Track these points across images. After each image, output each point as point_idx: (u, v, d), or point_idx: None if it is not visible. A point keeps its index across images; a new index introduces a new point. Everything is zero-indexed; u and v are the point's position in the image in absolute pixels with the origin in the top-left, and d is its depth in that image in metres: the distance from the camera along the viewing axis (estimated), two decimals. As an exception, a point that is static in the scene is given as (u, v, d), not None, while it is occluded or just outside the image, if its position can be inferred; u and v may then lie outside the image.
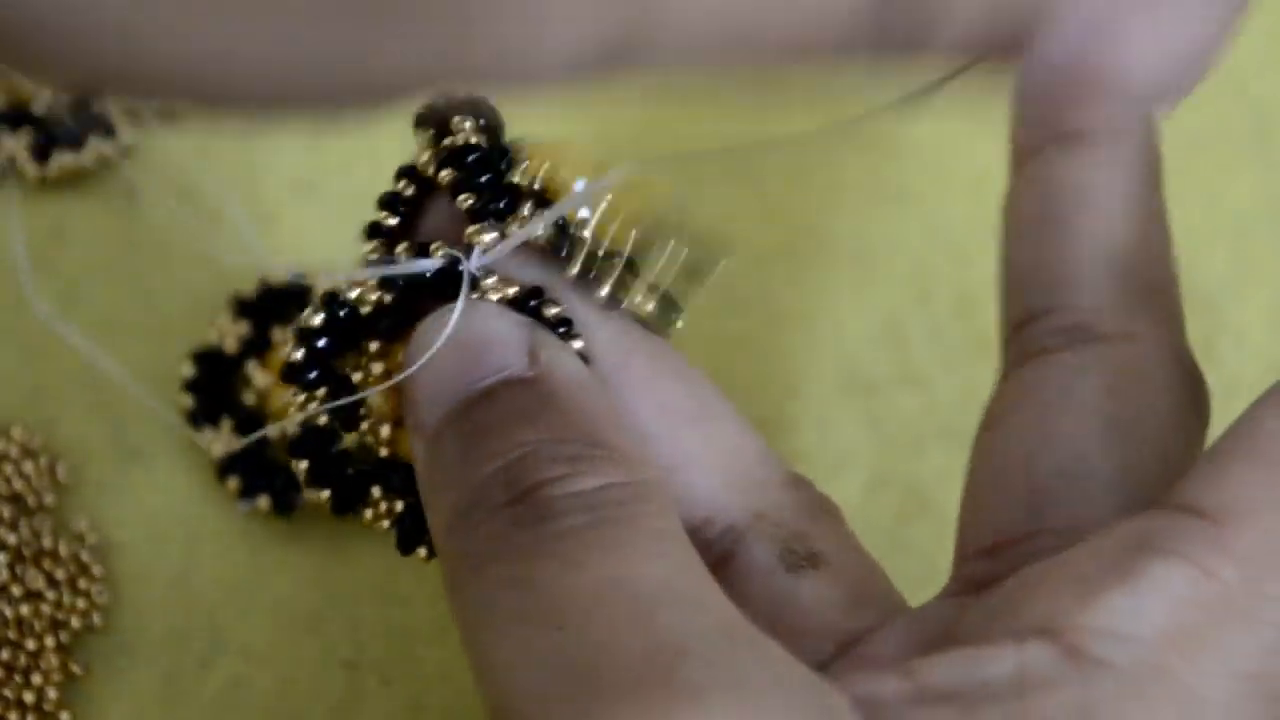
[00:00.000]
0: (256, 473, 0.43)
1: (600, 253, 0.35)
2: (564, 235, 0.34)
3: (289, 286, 0.45)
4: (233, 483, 0.43)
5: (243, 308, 0.45)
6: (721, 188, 0.47)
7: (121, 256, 0.45)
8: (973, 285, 0.46)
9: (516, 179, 0.35)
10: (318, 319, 0.34)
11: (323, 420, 0.35)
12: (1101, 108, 0.37)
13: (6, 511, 0.42)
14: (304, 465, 0.35)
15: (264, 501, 0.43)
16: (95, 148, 0.46)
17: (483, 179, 0.35)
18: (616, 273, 0.35)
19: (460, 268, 0.34)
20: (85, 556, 0.42)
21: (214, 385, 0.44)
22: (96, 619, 0.41)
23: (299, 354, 0.35)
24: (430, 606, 0.42)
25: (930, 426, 0.45)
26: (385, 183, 0.47)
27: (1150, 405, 0.34)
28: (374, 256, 0.35)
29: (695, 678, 0.29)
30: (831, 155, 0.48)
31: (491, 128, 0.35)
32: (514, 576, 0.30)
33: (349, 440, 0.35)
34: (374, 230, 0.35)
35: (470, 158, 0.35)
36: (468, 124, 0.35)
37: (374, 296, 0.34)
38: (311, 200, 0.46)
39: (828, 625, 0.34)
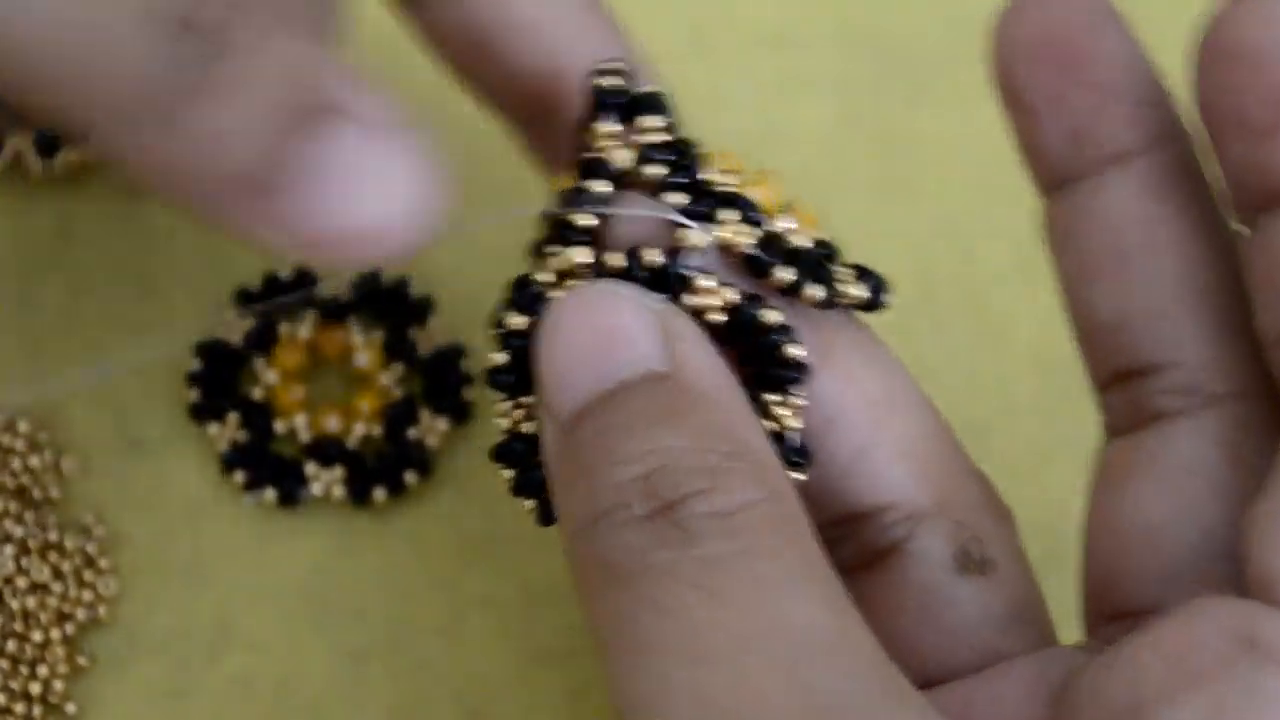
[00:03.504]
0: (262, 465, 0.43)
1: (803, 253, 0.34)
2: (772, 242, 0.33)
3: (294, 281, 0.45)
4: (239, 475, 0.43)
5: (248, 301, 0.45)
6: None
7: (127, 251, 0.45)
8: (977, 279, 0.46)
9: (707, 178, 0.34)
10: (519, 320, 0.33)
11: (527, 427, 0.34)
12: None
13: (13, 504, 0.42)
14: (509, 474, 0.34)
15: (270, 494, 0.43)
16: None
17: (688, 179, 0.34)
18: (829, 269, 0.34)
19: (673, 269, 0.33)
20: (91, 549, 0.42)
21: (219, 379, 0.44)
22: (103, 611, 0.42)
23: (500, 357, 0.34)
24: (435, 597, 0.42)
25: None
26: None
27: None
28: (584, 257, 0.33)
29: None
30: (837, 148, 0.48)
31: (674, 123, 0.34)
32: (656, 601, 0.30)
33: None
34: (565, 230, 0.34)
35: (673, 156, 0.34)
36: (659, 120, 0.34)
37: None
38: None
39: (977, 637, 0.35)
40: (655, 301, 0.33)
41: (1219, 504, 0.34)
